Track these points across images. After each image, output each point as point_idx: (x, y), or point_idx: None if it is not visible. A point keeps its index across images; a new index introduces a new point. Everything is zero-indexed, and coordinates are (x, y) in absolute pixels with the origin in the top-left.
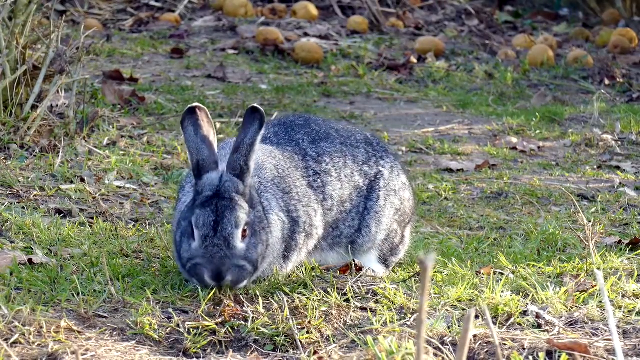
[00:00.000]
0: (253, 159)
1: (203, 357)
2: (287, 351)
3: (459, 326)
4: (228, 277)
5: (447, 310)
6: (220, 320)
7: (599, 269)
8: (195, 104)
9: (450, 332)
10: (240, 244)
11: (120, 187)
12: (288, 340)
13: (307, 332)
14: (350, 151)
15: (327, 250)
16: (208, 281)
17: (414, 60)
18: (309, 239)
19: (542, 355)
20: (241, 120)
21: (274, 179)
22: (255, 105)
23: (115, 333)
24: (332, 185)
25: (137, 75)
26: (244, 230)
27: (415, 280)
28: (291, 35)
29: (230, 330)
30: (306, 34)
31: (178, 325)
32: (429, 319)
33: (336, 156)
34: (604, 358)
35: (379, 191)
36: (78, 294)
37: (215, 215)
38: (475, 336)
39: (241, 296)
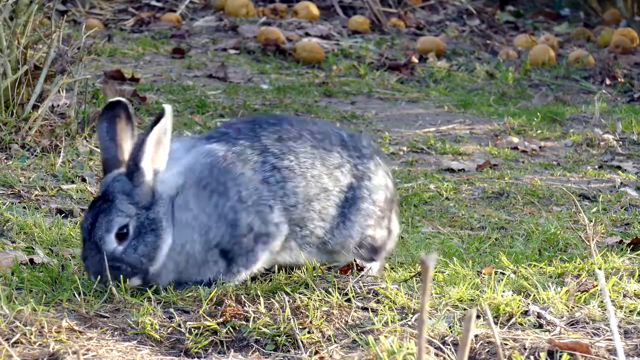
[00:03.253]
0: (144, 159)
1: (204, 357)
2: (289, 351)
3: (460, 326)
4: (109, 278)
5: (448, 310)
6: (221, 320)
7: (600, 268)
8: (117, 98)
9: (451, 332)
10: (114, 247)
11: None
12: (289, 340)
13: (309, 332)
14: (322, 154)
15: (297, 249)
16: (95, 281)
17: (415, 60)
18: (267, 238)
19: (543, 355)
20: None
21: (202, 181)
22: (164, 105)
23: (116, 333)
24: (295, 181)
25: (138, 75)
26: (123, 233)
27: (416, 280)
28: (292, 35)
29: (232, 330)
30: (307, 34)
31: (179, 325)
32: (430, 318)
33: (304, 156)
34: (605, 358)
35: (351, 201)
36: (79, 293)
37: (92, 219)
38: (476, 336)
39: (242, 296)
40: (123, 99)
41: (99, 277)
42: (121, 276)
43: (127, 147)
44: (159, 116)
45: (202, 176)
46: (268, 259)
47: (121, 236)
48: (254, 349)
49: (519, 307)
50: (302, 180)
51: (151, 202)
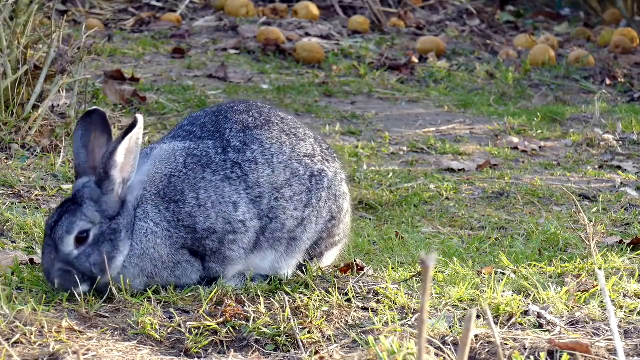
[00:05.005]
0: (114, 168)
1: (204, 357)
2: (289, 351)
3: (461, 326)
4: (56, 281)
5: (448, 310)
6: (221, 320)
7: (600, 268)
8: (94, 107)
9: (451, 332)
10: (70, 250)
11: None
12: (289, 340)
13: (309, 332)
14: (292, 141)
15: (266, 248)
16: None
17: (415, 60)
18: (235, 236)
19: (543, 355)
20: None
21: (160, 192)
22: (136, 115)
23: (116, 333)
24: (258, 172)
25: (138, 75)
26: (83, 238)
27: (416, 280)
28: (292, 35)
29: (232, 330)
30: (307, 34)
31: (179, 325)
32: (430, 318)
33: (269, 142)
34: (605, 358)
35: (322, 192)
36: (79, 293)
37: (57, 217)
38: (476, 336)
39: (242, 296)
40: (100, 108)
41: (47, 276)
42: (69, 282)
43: (99, 155)
44: (131, 125)
45: (161, 187)
46: (242, 257)
47: (80, 240)
48: (254, 349)
49: (519, 307)
50: (267, 169)
51: (118, 212)
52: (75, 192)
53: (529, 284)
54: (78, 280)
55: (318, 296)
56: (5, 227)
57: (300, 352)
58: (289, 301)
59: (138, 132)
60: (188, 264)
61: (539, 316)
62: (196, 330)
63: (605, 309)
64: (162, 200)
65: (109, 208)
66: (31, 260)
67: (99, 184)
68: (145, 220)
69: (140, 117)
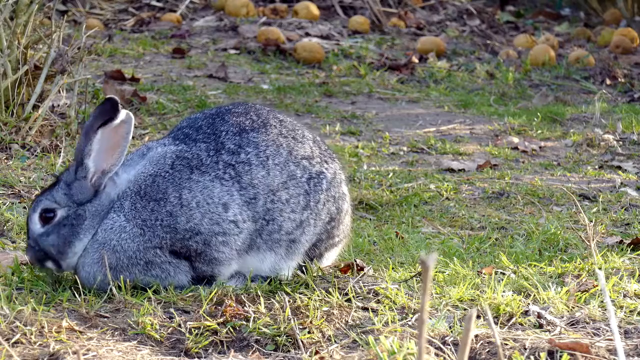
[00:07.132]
0: (88, 155)
1: (204, 357)
2: (289, 351)
3: (461, 326)
4: (27, 256)
5: (448, 310)
6: (221, 320)
7: (600, 268)
8: (109, 96)
9: (451, 332)
10: (36, 228)
11: None
12: (289, 340)
13: (309, 332)
14: (290, 143)
15: (265, 250)
16: None
17: (415, 60)
18: (224, 237)
19: (543, 355)
20: None
21: (141, 190)
22: (123, 110)
23: (116, 333)
24: (252, 173)
25: (138, 75)
26: (49, 217)
27: (416, 280)
28: (292, 35)
29: (232, 330)
30: (307, 34)
31: (179, 325)
32: (430, 319)
33: (264, 145)
34: (606, 358)
35: (320, 194)
36: (79, 293)
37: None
38: (476, 336)
39: (242, 296)
40: (114, 97)
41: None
42: (33, 258)
43: (91, 142)
44: (109, 119)
45: (144, 186)
46: (234, 257)
47: (46, 219)
48: (254, 349)
49: (519, 307)
50: (261, 170)
51: (88, 200)
52: (61, 173)
53: (529, 284)
54: (42, 257)
55: (318, 296)
56: (5, 227)
57: (300, 352)
58: (289, 301)
59: (127, 128)
60: (169, 265)
61: (539, 316)
62: (196, 330)
63: (605, 309)
64: (141, 198)
65: (79, 193)
66: None
67: (75, 169)
68: (118, 213)
69: (124, 113)
